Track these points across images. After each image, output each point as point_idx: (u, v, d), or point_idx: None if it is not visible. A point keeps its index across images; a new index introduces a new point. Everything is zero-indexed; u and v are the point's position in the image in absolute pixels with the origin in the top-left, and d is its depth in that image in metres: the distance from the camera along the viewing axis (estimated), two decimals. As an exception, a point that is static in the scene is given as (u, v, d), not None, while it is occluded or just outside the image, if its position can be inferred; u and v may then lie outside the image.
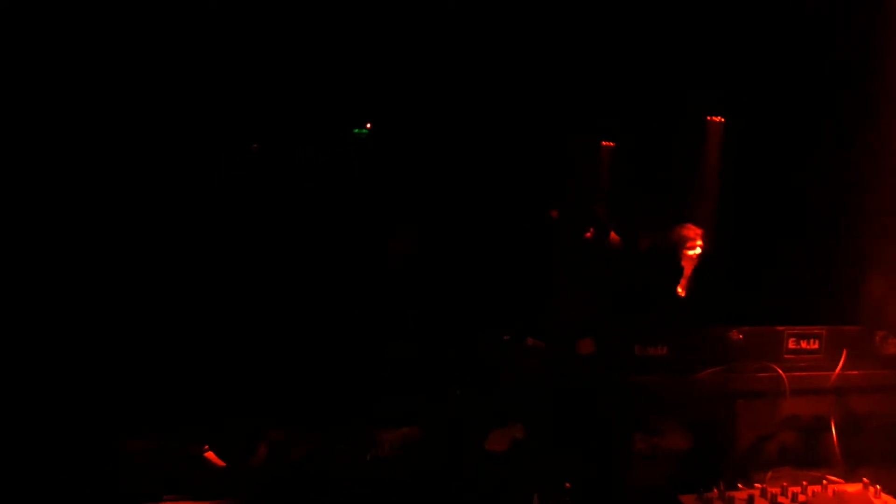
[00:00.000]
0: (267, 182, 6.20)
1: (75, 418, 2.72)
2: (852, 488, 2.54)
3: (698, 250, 5.65)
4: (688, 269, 5.59)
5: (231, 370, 3.08)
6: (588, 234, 6.11)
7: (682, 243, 5.45)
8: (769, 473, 2.77)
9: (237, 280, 4.14)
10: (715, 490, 2.44)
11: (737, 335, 2.90)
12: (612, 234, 6.14)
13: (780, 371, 2.87)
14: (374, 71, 6.86)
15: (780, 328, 2.97)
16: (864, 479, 2.56)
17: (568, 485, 2.38)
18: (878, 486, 2.52)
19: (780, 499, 2.41)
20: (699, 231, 5.62)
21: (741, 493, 2.44)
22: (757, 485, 2.53)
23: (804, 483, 2.52)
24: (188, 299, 3.78)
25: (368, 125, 8.59)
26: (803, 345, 2.98)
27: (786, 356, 2.94)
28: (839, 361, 2.96)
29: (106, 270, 3.89)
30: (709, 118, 7.97)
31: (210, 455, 2.68)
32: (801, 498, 2.43)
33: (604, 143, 10.67)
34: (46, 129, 4.36)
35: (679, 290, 5.63)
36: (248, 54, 5.90)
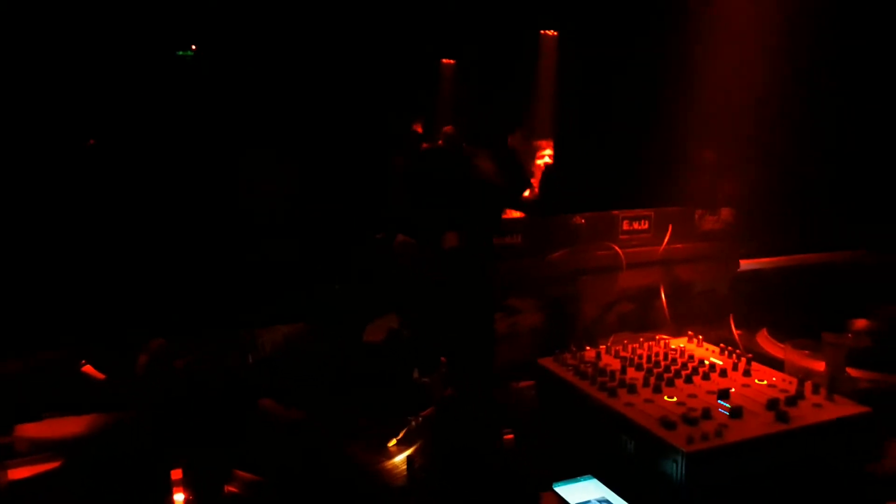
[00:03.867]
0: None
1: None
2: (680, 341, 2.98)
3: (547, 159, 6.22)
4: (537, 174, 6.16)
5: (107, 280, 3.02)
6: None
7: (534, 154, 6.03)
8: (612, 338, 3.18)
9: (111, 188, 3.93)
10: (567, 353, 2.78)
11: (579, 220, 3.22)
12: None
13: (618, 249, 3.25)
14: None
15: (615, 212, 3.33)
16: (689, 332, 3.02)
17: (444, 359, 2.63)
18: (700, 337, 2.98)
19: (622, 353, 2.80)
20: (550, 143, 6.20)
21: (590, 352, 2.80)
22: (602, 345, 2.91)
23: (641, 340, 2.93)
24: (61, 209, 3.57)
25: (193, 47, 8.16)
26: (635, 226, 3.38)
27: (621, 236, 3.32)
28: (665, 238, 3.39)
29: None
30: (543, 32, 8.32)
31: (88, 369, 2.67)
32: (639, 351, 2.82)
33: (444, 60, 10.82)
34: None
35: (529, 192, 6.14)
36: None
